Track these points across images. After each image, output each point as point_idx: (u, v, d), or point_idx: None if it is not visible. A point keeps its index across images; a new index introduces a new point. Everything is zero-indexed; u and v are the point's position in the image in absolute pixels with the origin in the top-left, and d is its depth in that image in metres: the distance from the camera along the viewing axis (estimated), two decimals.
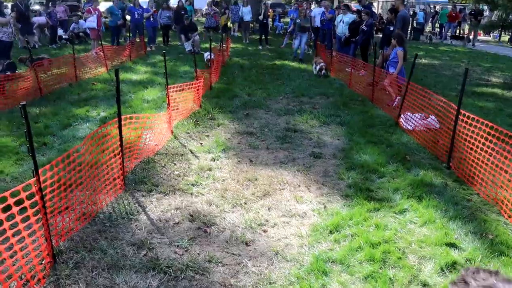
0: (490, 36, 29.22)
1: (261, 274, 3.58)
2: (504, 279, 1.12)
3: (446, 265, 3.67)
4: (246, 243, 4.02)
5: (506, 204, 4.64)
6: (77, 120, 7.59)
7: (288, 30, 20.17)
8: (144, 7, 17.91)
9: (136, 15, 16.53)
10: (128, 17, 18.00)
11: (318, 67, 12.49)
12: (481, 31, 26.34)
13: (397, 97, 8.52)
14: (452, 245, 4.00)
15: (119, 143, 4.85)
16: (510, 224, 4.48)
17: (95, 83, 10.69)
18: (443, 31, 26.06)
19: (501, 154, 4.86)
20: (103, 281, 3.46)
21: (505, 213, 4.62)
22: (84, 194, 4.31)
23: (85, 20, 16.80)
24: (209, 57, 10.79)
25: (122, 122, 4.86)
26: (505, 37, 27.52)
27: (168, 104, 6.66)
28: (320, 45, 15.56)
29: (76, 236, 4.03)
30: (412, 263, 3.74)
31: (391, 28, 11.47)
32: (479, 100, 10.08)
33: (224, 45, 14.06)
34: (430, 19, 29.65)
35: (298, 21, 15.50)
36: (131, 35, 16.25)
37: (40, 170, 3.31)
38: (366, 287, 3.41)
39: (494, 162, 4.91)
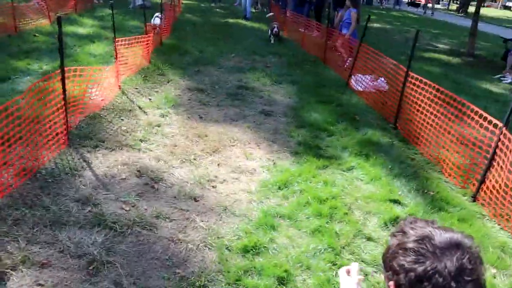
0: (439, 4, 29.85)
1: (209, 229, 3.57)
2: (441, 227, 1.13)
3: (389, 220, 3.80)
4: (195, 199, 3.98)
5: (447, 164, 4.83)
6: (17, 73, 7.13)
7: None
8: None
9: None
10: None
11: (270, 29, 11.73)
12: None
13: (349, 59, 8.58)
14: (395, 201, 4.15)
15: (62, 96, 4.60)
16: (450, 182, 4.68)
17: (36, 35, 10.05)
18: None
19: (445, 116, 5.01)
20: (45, 237, 3.33)
21: (446, 172, 4.82)
22: (24, 149, 4.09)
23: None
24: (158, 21, 9.86)
25: (66, 75, 4.61)
26: (453, 6, 28.23)
27: (116, 57, 6.37)
28: (275, 4, 15.33)
29: (16, 193, 3.82)
30: (358, 218, 3.85)
31: None
32: (426, 65, 10.33)
33: (175, 0, 13.55)
34: None
35: None
36: None
37: None
38: (313, 241, 3.48)
39: (439, 123, 5.07)
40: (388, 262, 1.15)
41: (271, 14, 13.64)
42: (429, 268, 1.04)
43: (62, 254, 3.19)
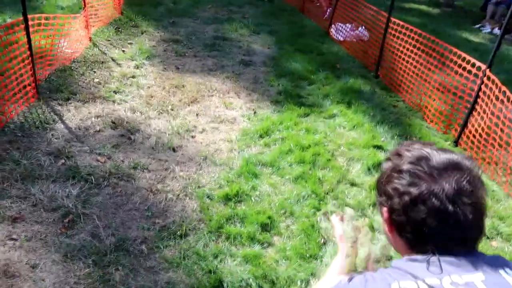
0: None
1: (189, 179, 3.46)
2: (439, 148, 1.02)
3: (373, 165, 3.74)
4: (173, 149, 3.84)
5: (430, 110, 4.77)
6: None
7: None
8: None
9: None
10: None
11: None
12: None
13: (328, 9, 8.33)
14: (378, 147, 4.08)
15: (27, 46, 4.32)
16: (432, 128, 4.64)
17: None
18: None
19: (428, 62, 4.91)
20: (16, 192, 3.17)
21: (428, 118, 4.77)
22: None
23: None
24: None
25: (30, 24, 4.31)
26: None
27: (84, 5, 6.01)
28: None
29: None
30: (341, 164, 3.78)
31: None
32: (405, 15, 10.13)
33: None
34: None
35: None
36: None
37: None
38: (296, 188, 3.40)
39: (421, 69, 4.97)
40: (382, 187, 1.05)
41: None
42: (425, 191, 0.94)
43: (35, 208, 3.06)
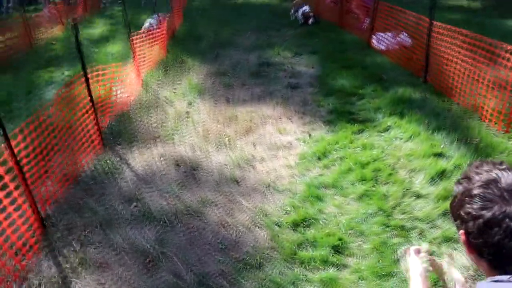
0: None
1: (256, 209, 3.57)
2: (508, 168, 1.06)
3: (436, 174, 3.71)
4: (236, 181, 3.97)
5: (486, 110, 4.67)
6: (42, 83, 7.23)
7: None
8: None
9: None
10: None
11: (300, 12, 9.65)
12: None
13: (366, 19, 8.34)
14: (439, 154, 4.04)
15: (89, 98, 4.63)
16: (492, 127, 4.53)
17: (53, 43, 10.16)
18: None
19: (478, 61, 4.82)
20: (98, 238, 3.39)
21: (486, 118, 4.66)
22: (61, 155, 4.15)
23: None
24: (150, 24, 8.99)
25: (89, 77, 4.63)
26: None
27: (134, 53, 6.36)
28: None
29: (62, 199, 3.90)
30: (403, 177, 3.77)
31: None
32: (446, 13, 9.96)
33: None
34: None
35: None
36: None
37: (10, 135, 3.13)
38: (361, 206, 3.43)
39: (472, 69, 4.89)
40: (455, 211, 1.09)
41: None
42: (497, 213, 0.98)
43: (117, 252, 3.25)
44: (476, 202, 1.02)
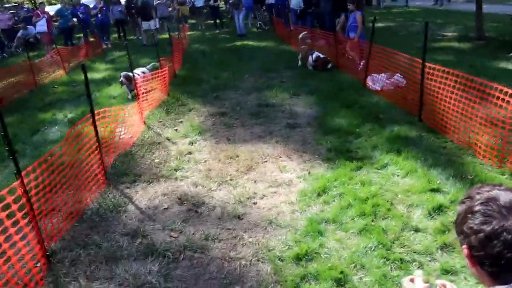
0: None
1: (259, 243, 3.64)
2: (507, 188, 1.20)
3: (433, 209, 3.81)
4: (239, 217, 4.06)
5: (480, 146, 4.82)
6: (45, 124, 7.40)
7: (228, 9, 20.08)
8: (91, 6, 17.40)
9: (81, 15, 16.10)
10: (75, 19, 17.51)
11: (310, 61, 9.52)
12: None
13: (362, 61, 8.64)
14: (436, 190, 4.16)
15: (96, 138, 4.78)
16: (486, 164, 4.67)
17: (56, 86, 10.42)
18: None
19: (469, 99, 5.02)
20: (103, 273, 3.44)
21: (480, 154, 4.81)
22: (68, 193, 4.25)
23: (34, 25, 16.18)
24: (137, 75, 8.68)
25: (96, 117, 4.79)
26: None
27: (137, 94, 6.57)
28: (277, 20, 15.57)
29: (67, 235, 3.97)
30: (402, 212, 3.87)
31: None
32: (438, 54, 10.31)
33: (181, 34, 13.89)
34: None
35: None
36: (83, 35, 15.88)
37: (23, 173, 3.24)
38: (362, 240, 3.51)
39: (465, 108, 5.08)
40: (459, 228, 1.23)
41: (304, 33, 11.16)
42: (496, 227, 1.11)
43: (122, 287, 3.30)
44: (477, 218, 1.16)
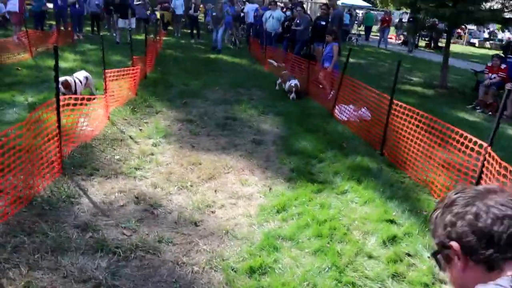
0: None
1: (213, 252, 3.59)
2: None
3: (387, 239, 3.89)
4: (195, 224, 4.00)
5: (436, 185, 4.99)
6: (2, 105, 7.09)
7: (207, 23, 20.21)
8: None
9: (59, 1, 15.66)
10: (50, 5, 17.03)
11: (287, 86, 9.35)
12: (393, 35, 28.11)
13: (332, 91, 8.82)
14: (391, 221, 4.25)
15: (57, 124, 4.62)
16: None
17: (19, 68, 10.03)
18: (368, 33, 27.40)
19: (431, 140, 5.21)
20: (47, 263, 3.28)
21: (435, 193, 4.97)
22: (19, 177, 4.06)
23: (5, 4, 15.61)
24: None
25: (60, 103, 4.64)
26: (422, 42, 29.26)
27: (105, 88, 6.42)
28: (253, 40, 15.74)
29: (13, 220, 3.77)
30: (357, 237, 3.93)
31: (323, 23, 11.80)
32: (403, 96, 10.65)
33: (158, 37, 13.79)
34: (355, 21, 30.97)
35: (214, 14, 15.79)
36: (56, 22, 15.44)
37: None
38: (316, 260, 3.53)
39: (425, 148, 5.26)
40: (440, 222, 1.16)
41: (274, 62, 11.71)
42: (481, 205, 1.09)
43: (66, 280, 3.16)
44: (459, 203, 1.13)
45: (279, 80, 10.03)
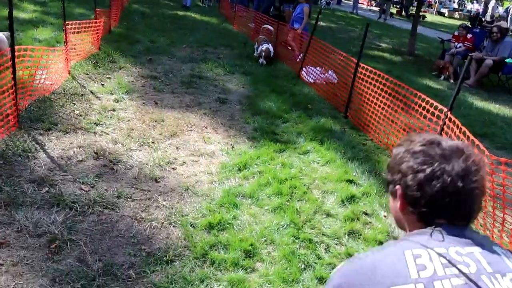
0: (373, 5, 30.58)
1: (172, 208, 3.58)
2: (445, 138, 1.23)
3: (346, 198, 3.97)
4: (156, 180, 3.96)
5: None
6: None
7: None
8: None
9: None
10: None
11: (259, 50, 8.88)
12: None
13: (300, 54, 8.76)
14: (351, 181, 4.33)
15: (12, 76, 4.42)
16: None
17: None
18: None
19: (395, 104, 5.27)
20: (1, 218, 3.20)
21: None
22: None
23: None
24: None
25: (16, 54, 4.42)
26: (393, 10, 29.26)
27: (66, 40, 6.16)
28: None
29: None
30: (316, 196, 3.99)
31: None
32: (371, 62, 10.71)
33: None
34: None
35: None
36: None
37: None
38: (275, 218, 3.57)
39: (388, 111, 5.33)
40: (395, 166, 1.21)
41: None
42: (437, 169, 1.12)
43: (20, 234, 3.09)
44: (418, 158, 1.15)
45: (256, 45, 9.42)
